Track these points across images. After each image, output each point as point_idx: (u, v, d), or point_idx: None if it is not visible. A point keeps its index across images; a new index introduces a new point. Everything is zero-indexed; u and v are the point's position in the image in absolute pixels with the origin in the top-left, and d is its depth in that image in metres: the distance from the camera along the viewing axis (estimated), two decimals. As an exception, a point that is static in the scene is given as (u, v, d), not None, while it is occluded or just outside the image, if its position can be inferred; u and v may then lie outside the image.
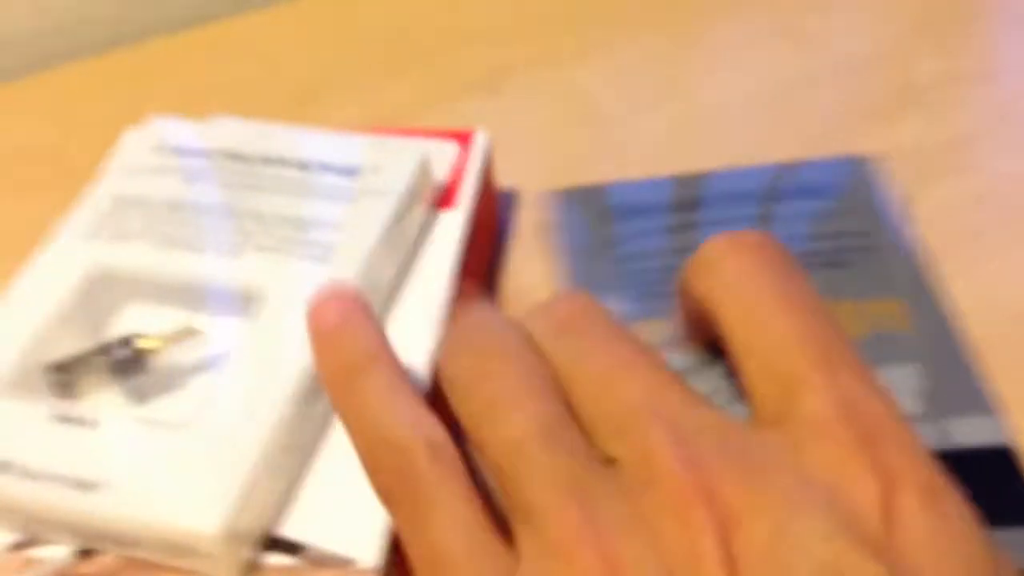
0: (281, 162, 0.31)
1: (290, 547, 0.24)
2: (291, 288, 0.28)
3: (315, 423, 0.26)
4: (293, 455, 0.25)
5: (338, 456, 0.26)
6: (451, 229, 0.32)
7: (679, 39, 0.46)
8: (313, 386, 0.26)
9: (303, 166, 0.31)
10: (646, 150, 0.41)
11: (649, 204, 0.34)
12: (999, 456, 0.24)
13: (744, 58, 0.45)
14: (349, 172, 0.31)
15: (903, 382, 0.27)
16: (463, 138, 0.35)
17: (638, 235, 0.33)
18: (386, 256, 0.30)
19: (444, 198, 0.33)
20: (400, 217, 0.30)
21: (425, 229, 0.32)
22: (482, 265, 0.35)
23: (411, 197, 0.31)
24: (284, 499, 0.25)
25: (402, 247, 0.30)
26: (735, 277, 0.21)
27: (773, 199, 0.34)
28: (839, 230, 0.31)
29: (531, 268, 0.36)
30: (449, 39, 0.48)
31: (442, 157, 0.34)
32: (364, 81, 0.47)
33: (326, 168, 0.31)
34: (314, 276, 0.28)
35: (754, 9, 0.47)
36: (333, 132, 0.33)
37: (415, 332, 0.28)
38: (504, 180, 0.39)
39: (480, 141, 0.35)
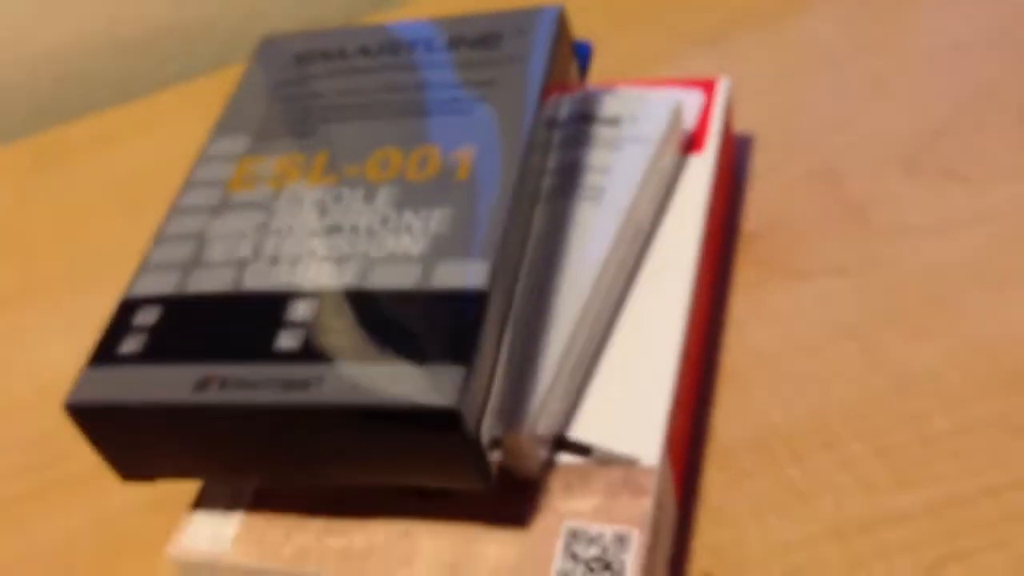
0: (562, 120, 0.35)
1: (579, 448, 0.28)
2: (572, 223, 0.32)
3: (595, 337, 0.30)
4: (580, 366, 0.29)
5: (616, 363, 0.29)
6: (700, 172, 0.35)
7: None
8: (590, 310, 0.29)
9: (578, 119, 0.35)
10: (863, 93, 0.42)
11: (329, 51, 0.34)
12: (465, 297, 0.25)
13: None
14: (612, 122, 0.34)
15: (425, 224, 0.27)
16: (707, 86, 0.38)
17: (305, 79, 0.33)
18: (646, 198, 0.33)
19: (691, 143, 0.36)
20: (656, 162, 0.33)
21: (676, 172, 0.35)
22: (723, 206, 0.38)
23: (665, 144, 0.34)
24: (573, 405, 0.29)
25: (658, 189, 0.34)
26: None
27: (433, 49, 0.33)
28: (469, 79, 0.31)
29: (766, 209, 0.39)
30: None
31: (690, 105, 0.37)
32: (591, 37, 0.50)
33: (594, 120, 0.35)
34: (587, 213, 0.32)
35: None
36: (596, 87, 0.37)
37: (673, 270, 0.32)
38: (738, 126, 0.42)
39: (723, 88, 0.37)
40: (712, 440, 0.31)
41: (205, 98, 0.54)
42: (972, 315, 0.33)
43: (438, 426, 0.24)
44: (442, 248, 0.26)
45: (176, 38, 0.58)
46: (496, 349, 0.26)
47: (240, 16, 0.58)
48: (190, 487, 0.34)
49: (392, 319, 0.25)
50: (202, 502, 0.29)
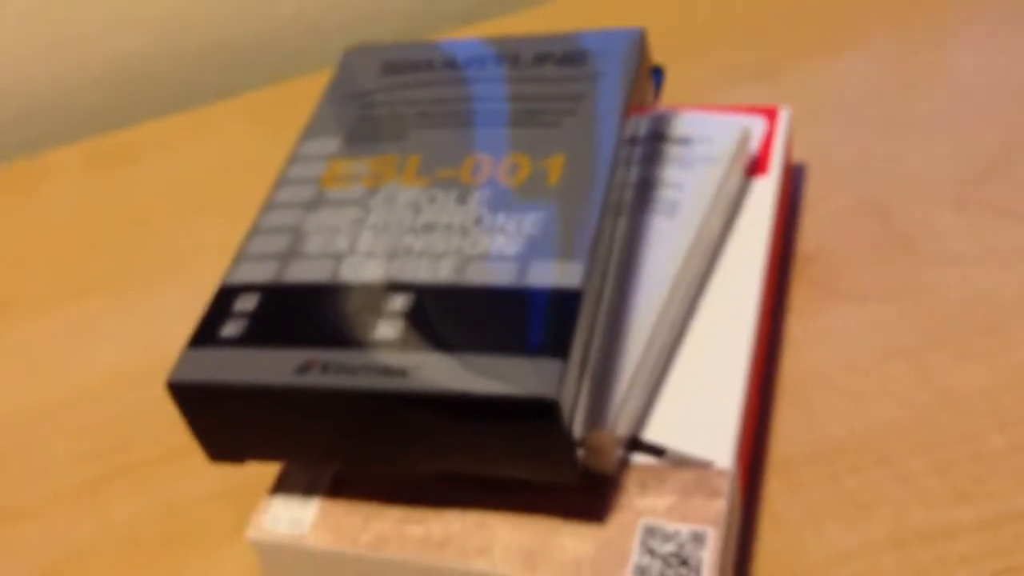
0: (639, 138, 0.36)
1: (653, 449, 0.29)
2: (648, 235, 0.33)
3: (669, 344, 0.31)
4: (655, 371, 0.30)
5: (688, 370, 0.31)
6: (765, 193, 0.36)
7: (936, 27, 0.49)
8: (665, 318, 0.31)
9: (653, 138, 0.36)
10: (911, 129, 0.44)
11: (417, 62, 0.35)
12: (560, 296, 0.26)
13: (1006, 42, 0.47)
14: (684, 142, 0.36)
15: (518, 226, 0.28)
16: (769, 113, 0.39)
17: (393, 87, 0.34)
18: (716, 214, 0.34)
19: (755, 166, 0.37)
20: (726, 181, 0.35)
21: (742, 193, 0.36)
22: (781, 229, 0.39)
23: (734, 164, 0.35)
24: (648, 408, 0.30)
25: (727, 207, 0.35)
26: None
27: (520, 64, 0.34)
28: (557, 93, 0.32)
29: (819, 236, 0.40)
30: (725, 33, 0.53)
31: (754, 130, 0.38)
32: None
33: (668, 139, 0.36)
34: (663, 227, 0.33)
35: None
36: (668, 108, 0.38)
37: (741, 284, 0.33)
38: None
39: (784, 117, 0.39)
40: (772, 451, 0.32)
41: (263, 109, 0.55)
42: (1021, 340, 0.34)
43: (534, 417, 0.25)
44: (536, 249, 0.28)
45: (238, 51, 0.59)
46: (586, 348, 0.27)
47: (301, 33, 0.59)
48: (259, 478, 0.35)
49: (489, 313, 0.26)
50: (280, 487, 0.30)
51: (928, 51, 0.48)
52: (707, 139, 0.36)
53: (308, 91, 0.56)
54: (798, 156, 0.44)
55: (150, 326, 0.43)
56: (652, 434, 0.29)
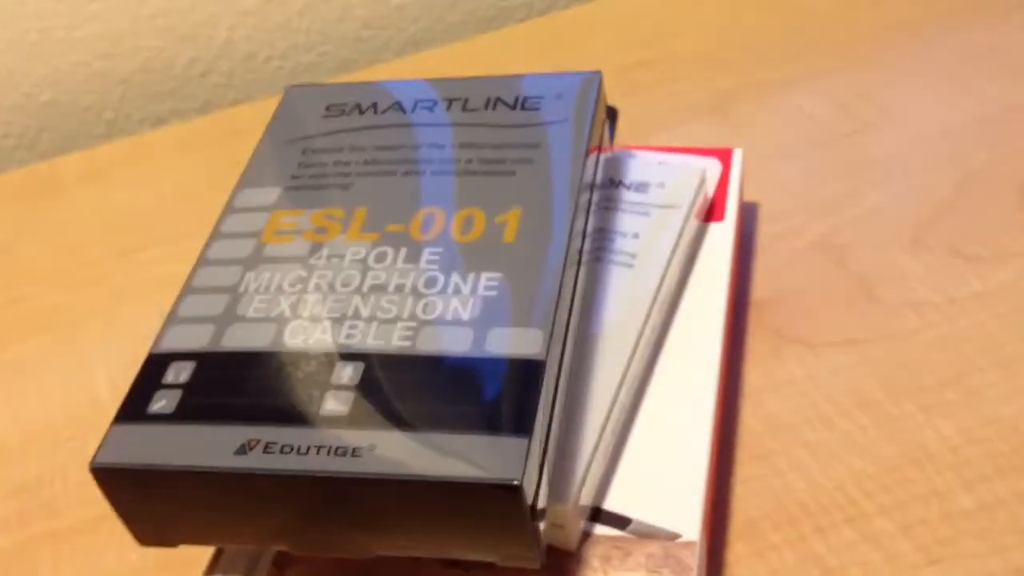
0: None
1: (617, 520, 0.28)
2: (606, 288, 0.31)
3: (629, 405, 0.30)
4: (616, 435, 0.29)
5: (648, 433, 0.29)
6: (722, 241, 0.35)
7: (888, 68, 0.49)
8: (627, 378, 0.29)
9: (606, 184, 0.35)
10: (863, 169, 0.43)
11: (361, 105, 0.33)
12: (521, 366, 0.25)
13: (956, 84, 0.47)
14: (640, 188, 0.34)
15: (474, 288, 0.27)
16: (723, 155, 0.38)
17: (336, 131, 0.32)
18: (675, 265, 0.33)
19: (710, 211, 0.36)
20: (685, 230, 0.33)
21: (698, 239, 0.35)
22: (736, 274, 0.38)
23: (691, 211, 0.34)
24: (610, 475, 0.28)
25: (685, 256, 0.34)
26: None
27: (471, 109, 0.33)
28: (511, 141, 0.31)
29: (773, 279, 0.39)
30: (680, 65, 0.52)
31: (709, 173, 0.37)
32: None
33: (622, 185, 0.35)
34: (622, 279, 0.31)
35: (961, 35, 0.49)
36: (620, 151, 0.37)
37: (701, 339, 0.32)
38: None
39: (738, 158, 0.38)
40: (734, 511, 0.31)
41: (197, 139, 0.53)
42: (986, 392, 0.33)
43: (496, 500, 0.23)
44: (494, 313, 0.26)
45: (170, 77, 0.57)
46: (549, 419, 0.25)
47: (235, 61, 0.57)
48: (198, 550, 0.33)
49: (445, 386, 0.25)
50: (217, 566, 0.28)
51: (880, 90, 0.48)
52: (662, 184, 0.34)
53: (244, 122, 0.53)
54: (749, 195, 0.43)
55: (77, 374, 0.40)
56: (614, 503, 0.28)
